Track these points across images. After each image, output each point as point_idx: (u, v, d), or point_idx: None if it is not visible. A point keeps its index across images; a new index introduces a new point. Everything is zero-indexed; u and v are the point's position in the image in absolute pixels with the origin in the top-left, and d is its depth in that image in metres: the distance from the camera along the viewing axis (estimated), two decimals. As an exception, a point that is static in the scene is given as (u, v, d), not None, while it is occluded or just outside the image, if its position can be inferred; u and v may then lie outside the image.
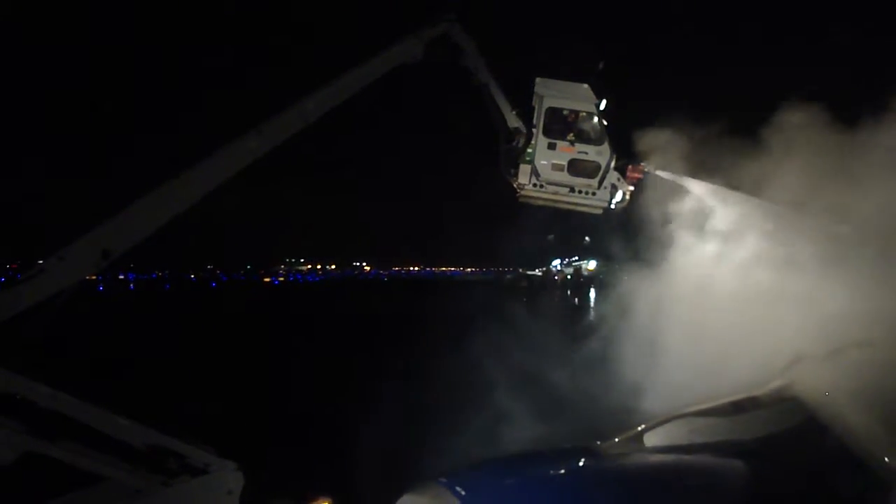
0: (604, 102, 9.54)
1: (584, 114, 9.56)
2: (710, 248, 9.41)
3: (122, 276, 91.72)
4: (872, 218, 7.17)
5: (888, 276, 6.55)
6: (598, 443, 5.87)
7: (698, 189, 9.59)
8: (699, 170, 9.41)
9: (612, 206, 9.66)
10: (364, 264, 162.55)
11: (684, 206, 9.67)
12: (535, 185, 9.50)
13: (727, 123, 9.07)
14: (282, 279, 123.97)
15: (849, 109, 7.88)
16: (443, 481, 4.85)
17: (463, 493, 4.60)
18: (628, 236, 10.95)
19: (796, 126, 8.17)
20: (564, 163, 9.44)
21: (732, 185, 9.21)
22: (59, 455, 5.45)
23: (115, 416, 5.81)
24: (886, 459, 4.26)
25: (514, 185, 9.62)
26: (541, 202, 9.74)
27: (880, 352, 5.01)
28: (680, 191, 9.72)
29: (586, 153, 9.47)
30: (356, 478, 9.13)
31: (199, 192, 6.45)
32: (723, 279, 8.88)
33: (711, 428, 5.68)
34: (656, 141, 9.57)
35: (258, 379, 19.05)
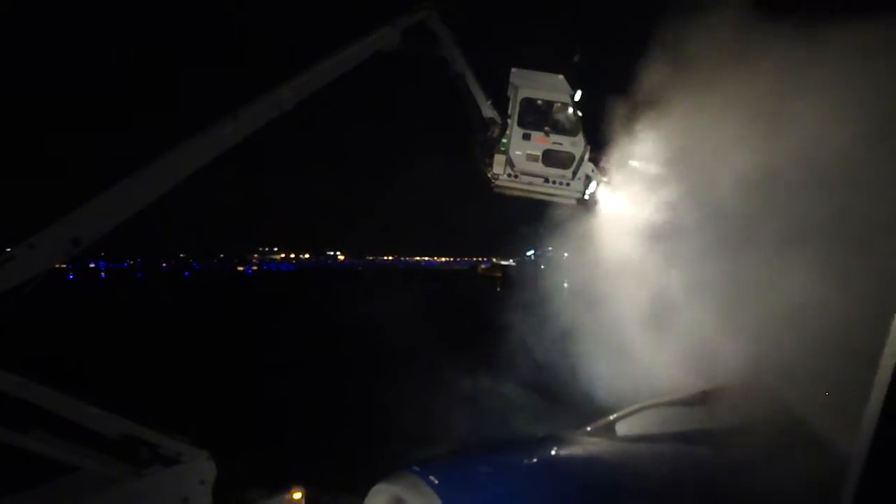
0: (579, 93, 9.56)
1: (559, 104, 9.59)
2: (679, 237, 9.42)
3: (92, 265, 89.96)
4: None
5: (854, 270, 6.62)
6: (571, 431, 5.96)
7: (668, 178, 9.58)
8: (672, 159, 9.40)
9: (586, 197, 9.71)
10: (338, 254, 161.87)
11: (656, 196, 9.68)
12: (509, 175, 9.52)
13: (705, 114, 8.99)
14: (255, 268, 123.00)
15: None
16: (416, 470, 4.89)
17: (436, 481, 4.65)
18: (598, 227, 10.91)
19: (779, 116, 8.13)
20: (539, 153, 9.47)
21: (705, 173, 9.20)
22: (30, 445, 5.38)
23: (87, 406, 5.75)
24: (843, 446, 4.40)
25: (489, 175, 9.62)
26: (515, 192, 9.75)
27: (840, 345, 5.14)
28: (652, 181, 9.71)
29: (561, 144, 9.50)
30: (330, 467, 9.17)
31: (173, 179, 6.32)
32: (694, 268, 8.92)
33: (681, 417, 5.80)
34: (629, 131, 9.56)
35: (232, 371, 18.98)
